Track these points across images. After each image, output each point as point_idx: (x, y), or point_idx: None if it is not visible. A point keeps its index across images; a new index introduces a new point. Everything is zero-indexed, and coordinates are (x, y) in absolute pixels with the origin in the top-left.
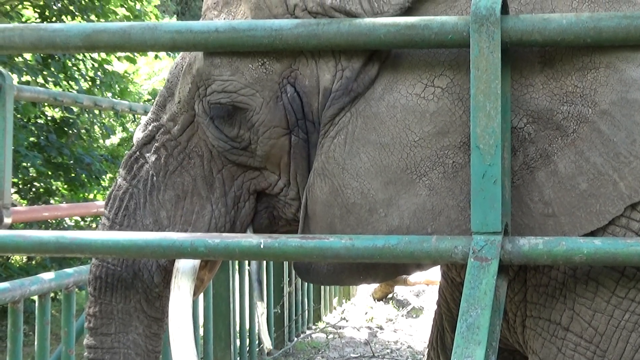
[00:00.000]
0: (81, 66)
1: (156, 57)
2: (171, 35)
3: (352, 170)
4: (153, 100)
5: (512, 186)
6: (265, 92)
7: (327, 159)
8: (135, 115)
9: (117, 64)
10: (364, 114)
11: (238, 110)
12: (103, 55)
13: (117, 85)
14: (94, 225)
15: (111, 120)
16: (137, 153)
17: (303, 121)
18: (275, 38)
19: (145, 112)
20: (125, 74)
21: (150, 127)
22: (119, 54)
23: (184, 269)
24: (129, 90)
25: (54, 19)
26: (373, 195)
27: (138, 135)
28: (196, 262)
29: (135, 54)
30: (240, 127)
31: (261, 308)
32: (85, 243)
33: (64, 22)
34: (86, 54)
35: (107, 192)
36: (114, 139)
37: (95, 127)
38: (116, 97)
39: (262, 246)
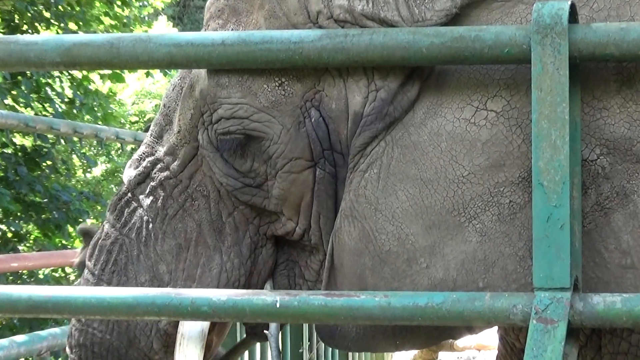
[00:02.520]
0: (57, 85)
1: (148, 74)
2: (168, 50)
3: (386, 212)
4: (143, 123)
5: (583, 231)
6: (284, 117)
7: (356, 197)
8: (124, 145)
9: (99, 82)
10: (402, 143)
11: (251, 139)
12: (84, 72)
13: (100, 108)
14: (72, 277)
15: (93, 149)
16: (129, 194)
17: (330, 152)
18: (295, 52)
19: (136, 141)
20: (110, 94)
21: (144, 163)
22: (104, 71)
23: (191, 333)
24: (114, 114)
25: (25, 27)
26: (412, 242)
27: (129, 172)
28: (205, 325)
29: (124, 71)
30: (254, 160)
31: None
32: (63, 301)
33: (38, 32)
34: (64, 72)
35: (90, 241)
36: (96, 172)
37: (74, 158)
38: (99, 122)
39: (278, 305)
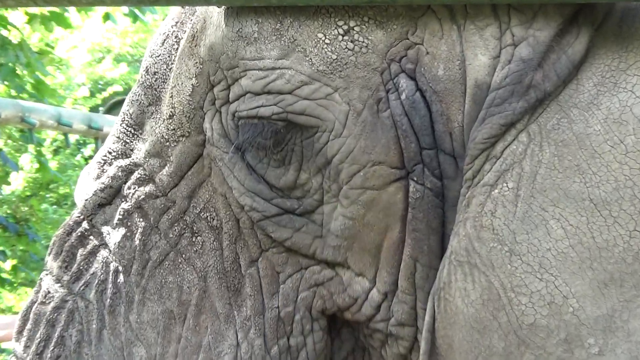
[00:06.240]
0: None
1: (107, 16)
2: None
3: (530, 256)
4: (102, 100)
5: None
6: (352, 90)
7: (477, 231)
8: (68, 135)
9: (25, 29)
10: (557, 136)
11: (297, 131)
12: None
13: (29, 72)
14: None
15: (15, 143)
16: (85, 225)
17: (433, 152)
18: None
19: (91, 129)
20: (46, 48)
21: (111, 170)
22: (31, 8)
23: None
24: (51, 85)
25: None
26: (575, 309)
27: (86, 186)
28: None
29: (69, 8)
30: (300, 166)
31: None
32: None
33: None
34: None
35: (21, 307)
36: (16, 183)
37: None
38: (26, 96)
39: None
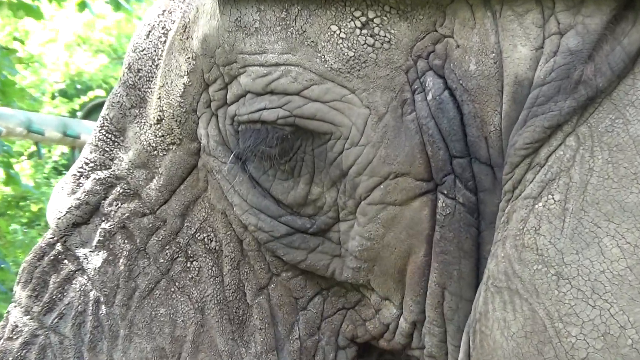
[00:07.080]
0: None
1: (83, 5)
2: None
3: (580, 280)
4: (80, 104)
5: None
6: (372, 92)
7: (519, 251)
8: (40, 144)
9: None
10: (611, 140)
11: (306, 137)
12: None
13: None
14: None
15: None
16: (59, 248)
17: (466, 160)
18: None
19: (66, 137)
20: (15, 40)
21: (89, 184)
22: None
23: None
24: (19, 85)
25: None
26: (634, 341)
27: (60, 203)
28: None
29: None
30: (312, 179)
31: None
32: None
33: None
34: None
35: None
36: None
37: None
38: None
39: None
